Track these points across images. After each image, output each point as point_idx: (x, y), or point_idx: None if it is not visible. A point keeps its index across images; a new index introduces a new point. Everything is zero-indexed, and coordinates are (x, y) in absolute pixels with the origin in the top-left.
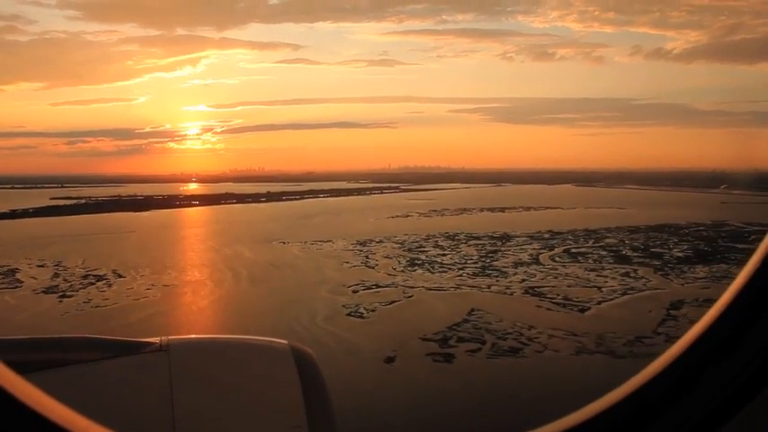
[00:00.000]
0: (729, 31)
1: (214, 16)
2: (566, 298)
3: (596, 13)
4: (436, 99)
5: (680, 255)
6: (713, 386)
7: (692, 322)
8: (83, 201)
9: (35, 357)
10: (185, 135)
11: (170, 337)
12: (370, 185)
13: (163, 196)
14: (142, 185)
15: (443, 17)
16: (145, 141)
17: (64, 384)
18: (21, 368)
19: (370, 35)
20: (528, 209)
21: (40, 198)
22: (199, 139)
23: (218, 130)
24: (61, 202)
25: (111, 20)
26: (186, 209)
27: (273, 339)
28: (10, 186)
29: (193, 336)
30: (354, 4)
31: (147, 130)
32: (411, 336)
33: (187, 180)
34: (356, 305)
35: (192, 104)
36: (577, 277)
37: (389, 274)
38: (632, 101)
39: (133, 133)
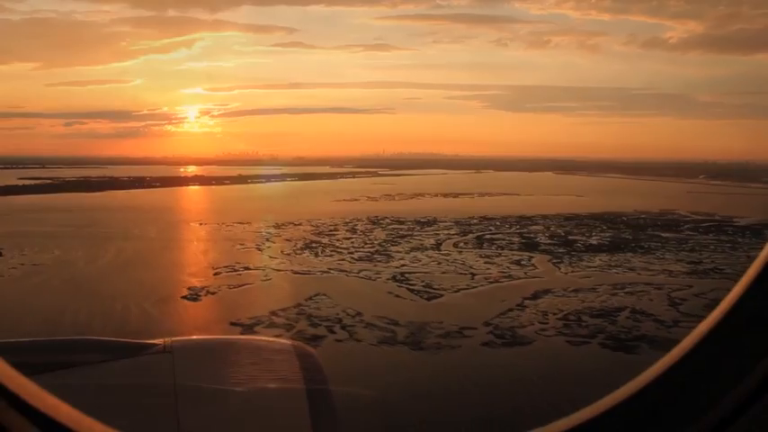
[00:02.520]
0: (726, 21)
1: None
2: (427, 285)
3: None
4: (433, 85)
5: (593, 243)
6: (717, 389)
7: (537, 313)
8: (47, 181)
9: (40, 360)
10: (183, 118)
11: (173, 339)
12: (349, 170)
13: (129, 178)
14: (126, 167)
15: (438, 2)
16: (142, 124)
17: (69, 386)
18: (25, 370)
19: (364, 19)
20: (483, 195)
21: (8, 178)
22: (196, 122)
23: (216, 113)
24: (24, 182)
25: None
26: (141, 190)
27: (277, 339)
28: None
29: (196, 337)
30: None
31: (145, 112)
32: (222, 320)
33: (175, 163)
34: (202, 288)
35: (188, 87)
36: (462, 264)
37: (271, 257)
38: (630, 90)
39: (130, 115)
